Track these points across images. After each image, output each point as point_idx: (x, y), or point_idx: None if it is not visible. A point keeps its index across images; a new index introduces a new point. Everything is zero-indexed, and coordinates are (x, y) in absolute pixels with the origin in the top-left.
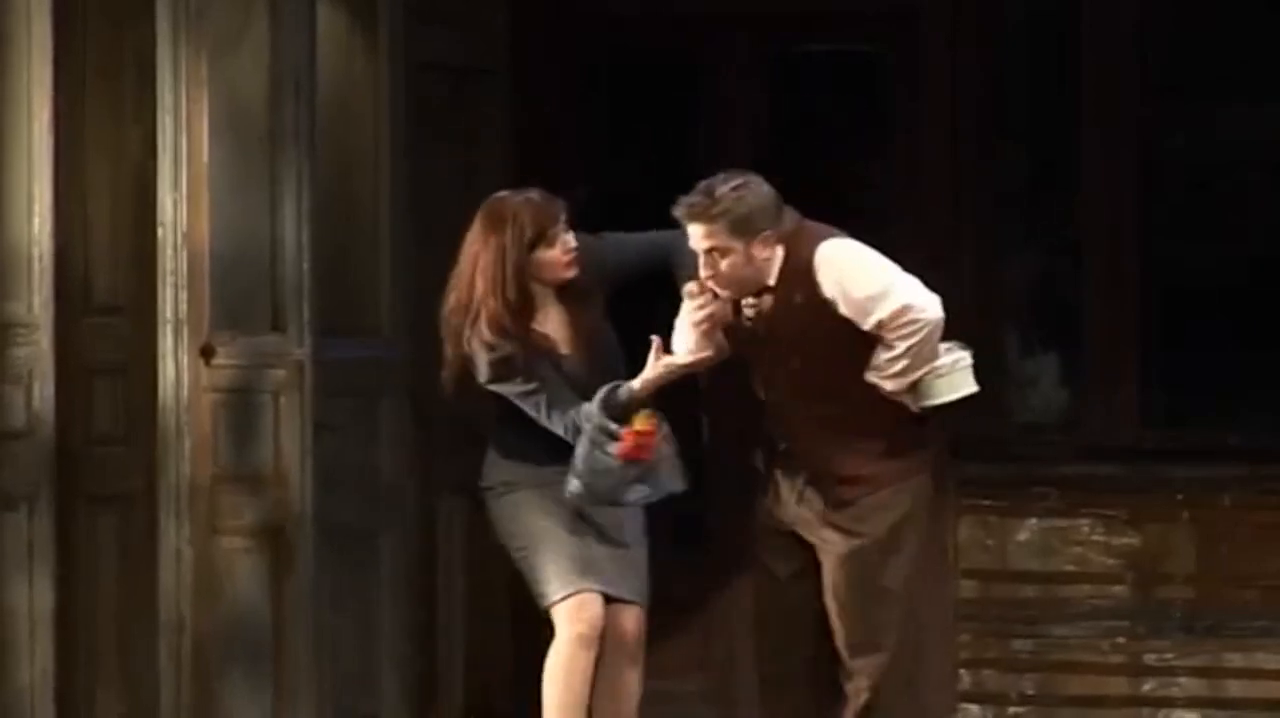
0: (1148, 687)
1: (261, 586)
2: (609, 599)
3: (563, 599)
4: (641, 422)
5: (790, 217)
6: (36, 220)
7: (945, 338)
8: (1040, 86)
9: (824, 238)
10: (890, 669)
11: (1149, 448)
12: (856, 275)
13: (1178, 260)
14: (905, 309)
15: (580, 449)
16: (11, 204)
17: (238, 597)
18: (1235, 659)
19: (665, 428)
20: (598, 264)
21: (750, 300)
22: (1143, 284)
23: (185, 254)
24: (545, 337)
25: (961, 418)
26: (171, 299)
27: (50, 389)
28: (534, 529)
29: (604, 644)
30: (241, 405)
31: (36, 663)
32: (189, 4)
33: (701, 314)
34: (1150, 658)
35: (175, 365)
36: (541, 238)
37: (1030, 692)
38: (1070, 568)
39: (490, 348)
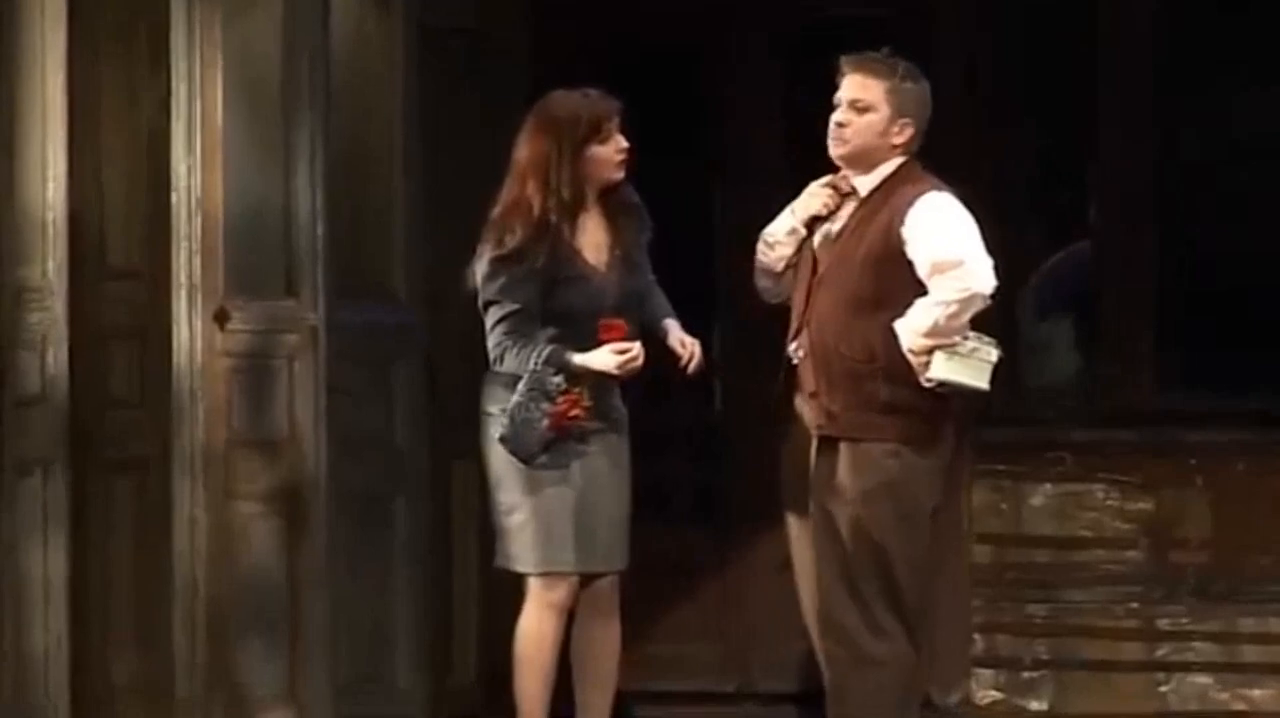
0: (1161, 652)
1: (276, 550)
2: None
3: (540, 575)
4: (578, 395)
5: (913, 156)
6: (50, 185)
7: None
8: (1055, 56)
9: (939, 188)
10: (838, 659)
11: (1164, 412)
12: (942, 220)
13: (1193, 223)
14: (960, 263)
15: (517, 398)
16: (25, 169)
17: (252, 562)
18: (1249, 624)
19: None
20: (643, 212)
21: (843, 197)
22: (1158, 247)
23: (199, 219)
24: (576, 250)
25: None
26: (185, 264)
27: (64, 354)
28: (530, 493)
29: (580, 605)
30: (255, 371)
31: (51, 628)
32: None
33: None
34: (1164, 623)
35: (189, 331)
36: (597, 132)
37: (1044, 657)
38: (1084, 533)
39: (500, 243)
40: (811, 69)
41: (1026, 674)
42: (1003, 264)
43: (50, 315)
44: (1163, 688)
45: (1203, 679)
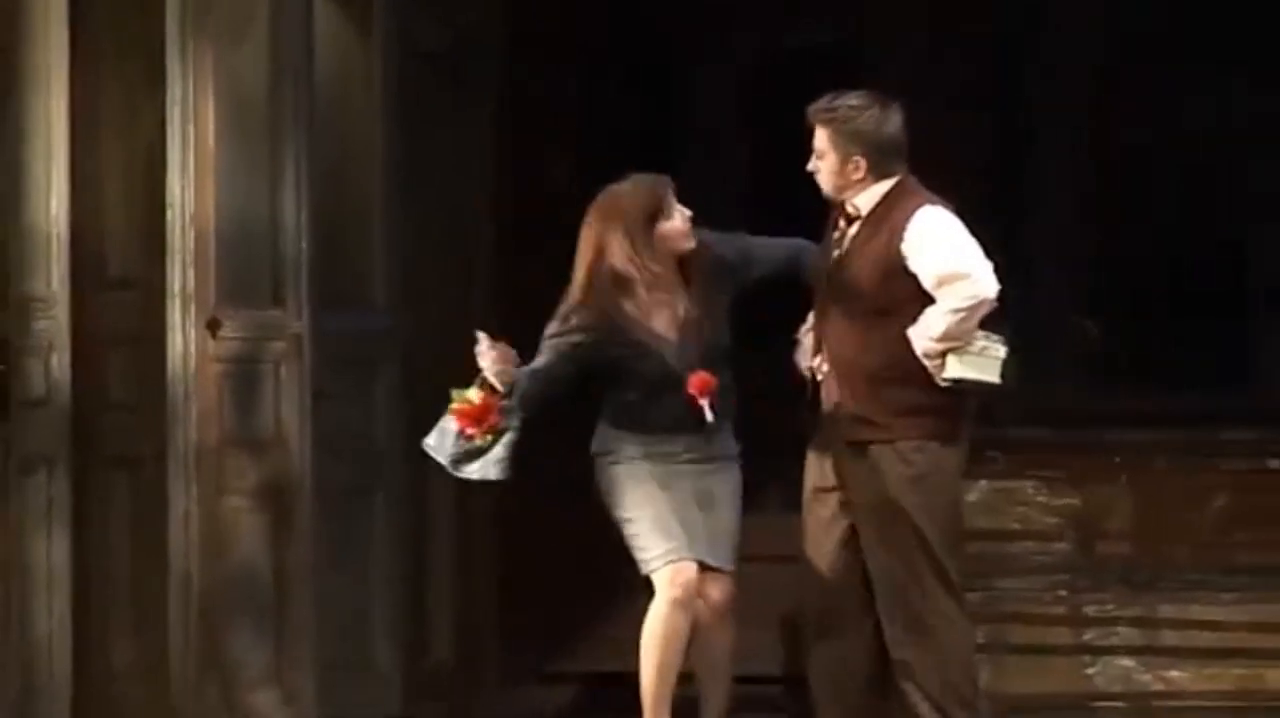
0: (1088, 637)
1: (263, 543)
2: (702, 567)
3: (663, 567)
4: (474, 395)
5: (906, 174)
6: (54, 202)
7: None
8: (996, 74)
9: (931, 202)
10: (933, 670)
11: (1090, 413)
12: (942, 236)
13: (1120, 235)
14: (968, 274)
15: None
16: (30, 187)
17: (242, 553)
18: (1169, 611)
19: (506, 419)
20: (720, 257)
21: (841, 224)
22: (1086, 258)
23: (192, 234)
24: (645, 326)
25: None
26: (179, 276)
27: (67, 360)
28: (637, 500)
29: (697, 610)
30: (245, 375)
31: (54, 614)
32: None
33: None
34: (1090, 609)
35: (183, 338)
36: (659, 211)
37: (979, 641)
38: (1015, 526)
39: (562, 319)
40: (776, 93)
41: None
42: None
43: (54, 324)
44: (1089, 671)
45: (1126, 662)
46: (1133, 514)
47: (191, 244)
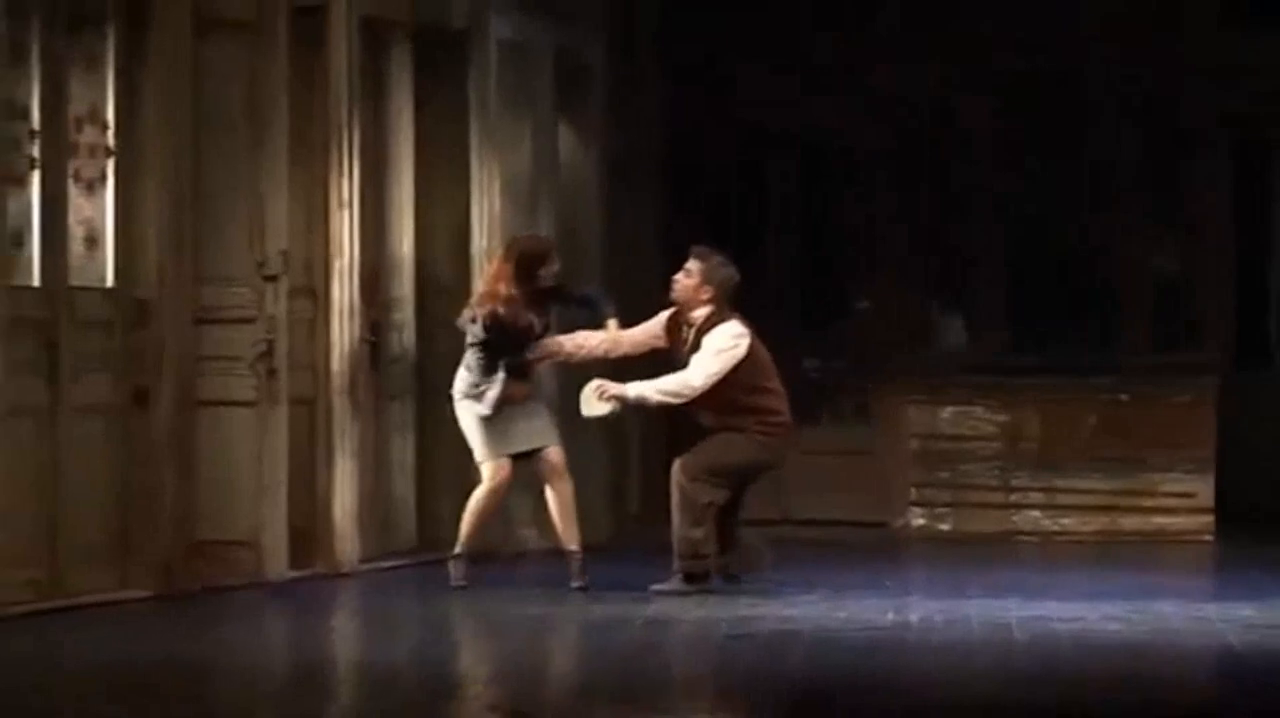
0: (1013, 498)
1: None
2: (534, 451)
3: (485, 462)
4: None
5: (728, 307)
6: (405, 243)
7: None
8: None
9: (730, 320)
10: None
11: (1010, 366)
12: (715, 344)
13: (1025, 257)
14: (694, 371)
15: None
16: (392, 235)
17: None
18: (1061, 483)
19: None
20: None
21: (685, 328)
22: (1010, 278)
23: (487, 263)
24: (530, 326)
25: (906, 352)
26: (475, 286)
27: (413, 334)
28: (476, 419)
29: (543, 476)
30: None
31: (405, 482)
32: (487, 124)
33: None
34: (1014, 482)
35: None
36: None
37: (949, 500)
38: (969, 433)
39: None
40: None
41: (939, 510)
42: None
43: (404, 314)
44: (1014, 518)
45: (1036, 513)
46: (1040, 426)
47: (485, 268)
